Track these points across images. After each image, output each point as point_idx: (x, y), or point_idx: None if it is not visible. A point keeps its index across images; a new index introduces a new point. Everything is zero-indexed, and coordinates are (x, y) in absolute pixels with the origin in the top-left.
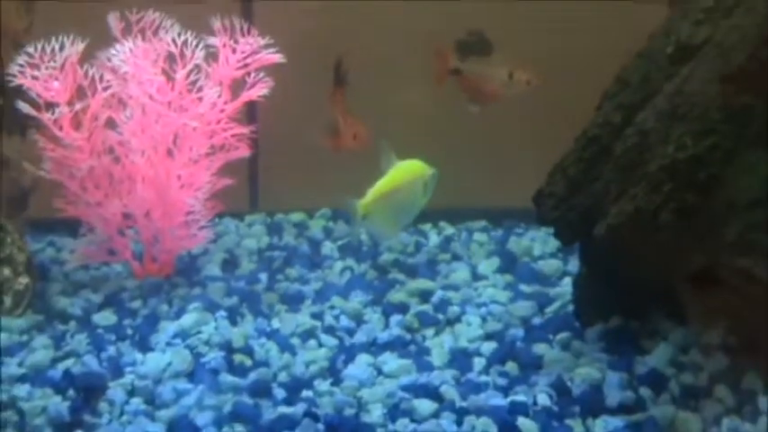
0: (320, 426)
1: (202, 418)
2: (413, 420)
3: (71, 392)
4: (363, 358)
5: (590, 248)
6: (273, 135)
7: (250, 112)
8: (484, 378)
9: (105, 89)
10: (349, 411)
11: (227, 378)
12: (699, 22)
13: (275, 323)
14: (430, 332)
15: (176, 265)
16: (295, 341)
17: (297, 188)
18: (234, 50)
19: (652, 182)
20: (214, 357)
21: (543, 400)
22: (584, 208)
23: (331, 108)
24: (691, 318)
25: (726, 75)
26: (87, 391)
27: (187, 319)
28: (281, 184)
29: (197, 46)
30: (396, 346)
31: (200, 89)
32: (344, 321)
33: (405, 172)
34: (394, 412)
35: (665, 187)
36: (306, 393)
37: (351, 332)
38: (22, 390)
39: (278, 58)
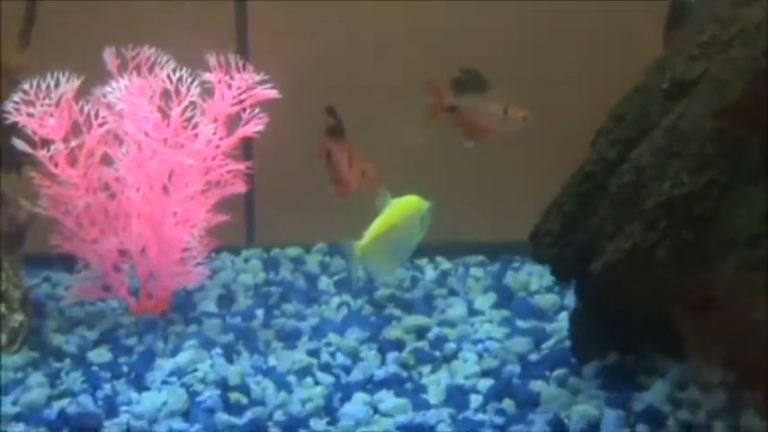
0: None
1: None
2: None
3: None
4: (360, 396)
5: (586, 285)
6: (270, 169)
7: (246, 148)
8: (480, 416)
9: (101, 126)
10: None
11: (222, 417)
12: (694, 58)
13: (271, 360)
14: (426, 369)
15: (172, 301)
16: (291, 379)
17: (293, 222)
18: (229, 86)
19: (648, 219)
20: (210, 396)
21: None
22: (580, 245)
23: (333, 155)
24: (689, 348)
25: (721, 109)
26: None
27: (183, 357)
28: (277, 219)
29: (192, 82)
30: (392, 383)
31: (195, 126)
32: (341, 358)
33: (400, 209)
34: None
35: (662, 224)
36: None
37: (347, 369)
38: (16, 429)
39: (273, 93)
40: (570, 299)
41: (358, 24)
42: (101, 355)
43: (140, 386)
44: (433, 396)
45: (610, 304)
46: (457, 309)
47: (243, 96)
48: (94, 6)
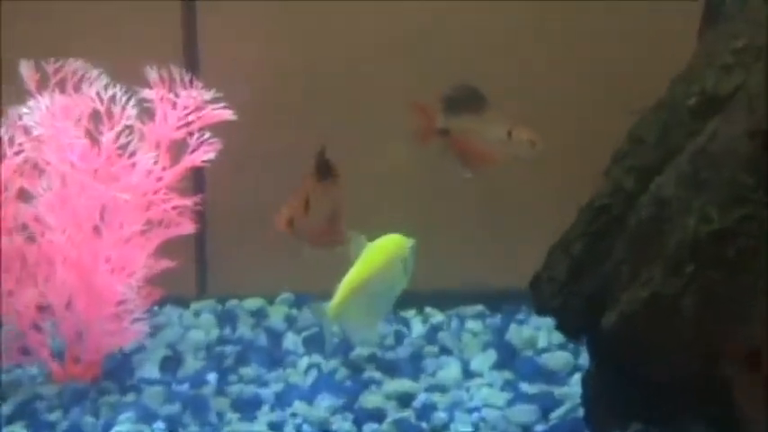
0: None
1: None
2: None
3: None
4: None
5: (600, 341)
6: (225, 205)
7: (196, 180)
8: None
9: (16, 154)
10: None
11: None
12: (727, 68)
13: None
14: None
15: (105, 365)
16: None
17: (253, 268)
18: (174, 105)
19: (671, 262)
20: None
21: None
22: (590, 293)
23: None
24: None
25: (758, 129)
26: None
27: None
28: (234, 264)
29: (128, 101)
30: None
31: (132, 154)
32: None
33: (378, 254)
34: None
35: (687, 268)
36: None
37: None
38: None
39: (228, 114)
40: (585, 358)
41: (334, 28)
42: None
43: None
44: None
45: (627, 363)
46: (449, 370)
47: (190, 118)
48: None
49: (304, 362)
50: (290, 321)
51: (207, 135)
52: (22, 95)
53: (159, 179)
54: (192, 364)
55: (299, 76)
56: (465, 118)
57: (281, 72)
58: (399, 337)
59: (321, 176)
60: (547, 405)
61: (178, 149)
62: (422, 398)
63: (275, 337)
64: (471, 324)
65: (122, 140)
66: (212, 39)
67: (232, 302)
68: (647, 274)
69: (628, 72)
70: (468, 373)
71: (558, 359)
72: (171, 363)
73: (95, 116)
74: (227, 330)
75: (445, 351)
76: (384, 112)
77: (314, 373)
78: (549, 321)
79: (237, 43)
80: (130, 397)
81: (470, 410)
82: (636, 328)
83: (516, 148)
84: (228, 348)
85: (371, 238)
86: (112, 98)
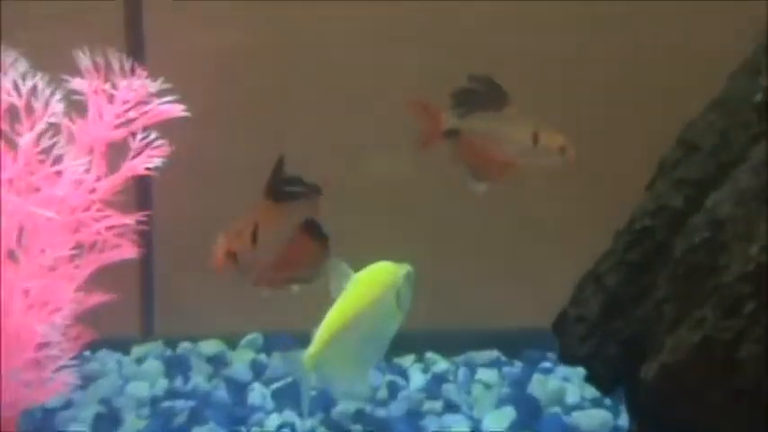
0: None
1: None
2: None
3: None
4: None
5: (639, 395)
6: (176, 225)
7: (140, 192)
8: None
9: None
10: None
11: None
12: None
13: None
14: None
15: (21, 425)
16: None
17: (211, 303)
18: (111, 99)
19: (727, 299)
20: None
21: None
22: (628, 336)
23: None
24: None
25: None
26: None
27: None
28: (187, 299)
29: (54, 93)
30: None
31: (58, 159)
32: None
33: (365, 287)
34: None
35: (747, 306)
36: None
37: None
38: None
39: (179, 110)
40: (625, 418)
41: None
42: None
43: None
44: None
45: (672, 424)
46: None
47: (132, 114)
48: None
49: (274, 420)
50: (257, 369)
51: (153, 136)
52: None
53: (92, 191)
54: (132, 423)
55: (271, 64)
56: (479, 116)
57: (247, 59)
58: (393, 390)
59: (274, 196)
60: None
61: (116, 154)
62: None
63: (238, 389)
64: (483, 373)
65: (45, 143)
66: (159, 19)
67: (184, 346)
68: (697, 314)
69: (667, 60)
70: None
71: (592, 418)
72: (105, 422)
73: (11, 112)
74: (178, 381)
75: (451, 407)
76: (376, 110)
77: None
78: (580, 371)
79: (190, 23)
80: None
81: None
82: (682, 381)
83: (543, 156)
84: (179, 403)
85: (357, 267)
86: (33, 90)
